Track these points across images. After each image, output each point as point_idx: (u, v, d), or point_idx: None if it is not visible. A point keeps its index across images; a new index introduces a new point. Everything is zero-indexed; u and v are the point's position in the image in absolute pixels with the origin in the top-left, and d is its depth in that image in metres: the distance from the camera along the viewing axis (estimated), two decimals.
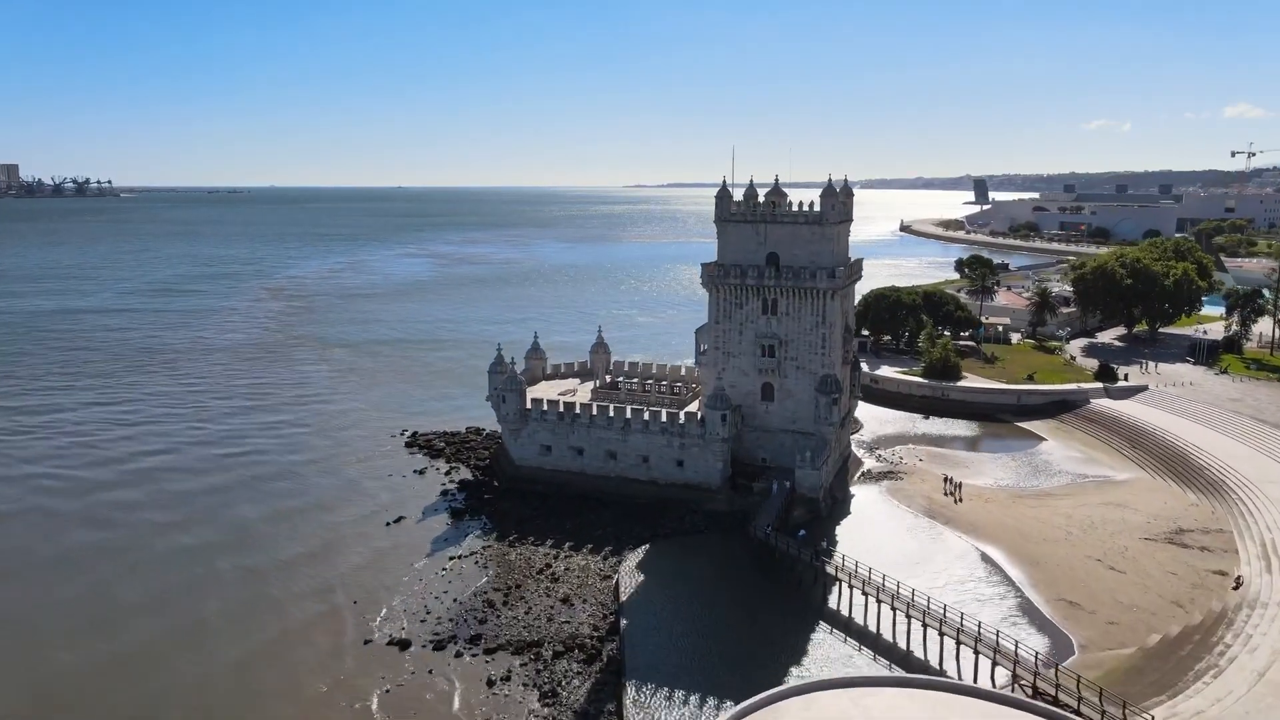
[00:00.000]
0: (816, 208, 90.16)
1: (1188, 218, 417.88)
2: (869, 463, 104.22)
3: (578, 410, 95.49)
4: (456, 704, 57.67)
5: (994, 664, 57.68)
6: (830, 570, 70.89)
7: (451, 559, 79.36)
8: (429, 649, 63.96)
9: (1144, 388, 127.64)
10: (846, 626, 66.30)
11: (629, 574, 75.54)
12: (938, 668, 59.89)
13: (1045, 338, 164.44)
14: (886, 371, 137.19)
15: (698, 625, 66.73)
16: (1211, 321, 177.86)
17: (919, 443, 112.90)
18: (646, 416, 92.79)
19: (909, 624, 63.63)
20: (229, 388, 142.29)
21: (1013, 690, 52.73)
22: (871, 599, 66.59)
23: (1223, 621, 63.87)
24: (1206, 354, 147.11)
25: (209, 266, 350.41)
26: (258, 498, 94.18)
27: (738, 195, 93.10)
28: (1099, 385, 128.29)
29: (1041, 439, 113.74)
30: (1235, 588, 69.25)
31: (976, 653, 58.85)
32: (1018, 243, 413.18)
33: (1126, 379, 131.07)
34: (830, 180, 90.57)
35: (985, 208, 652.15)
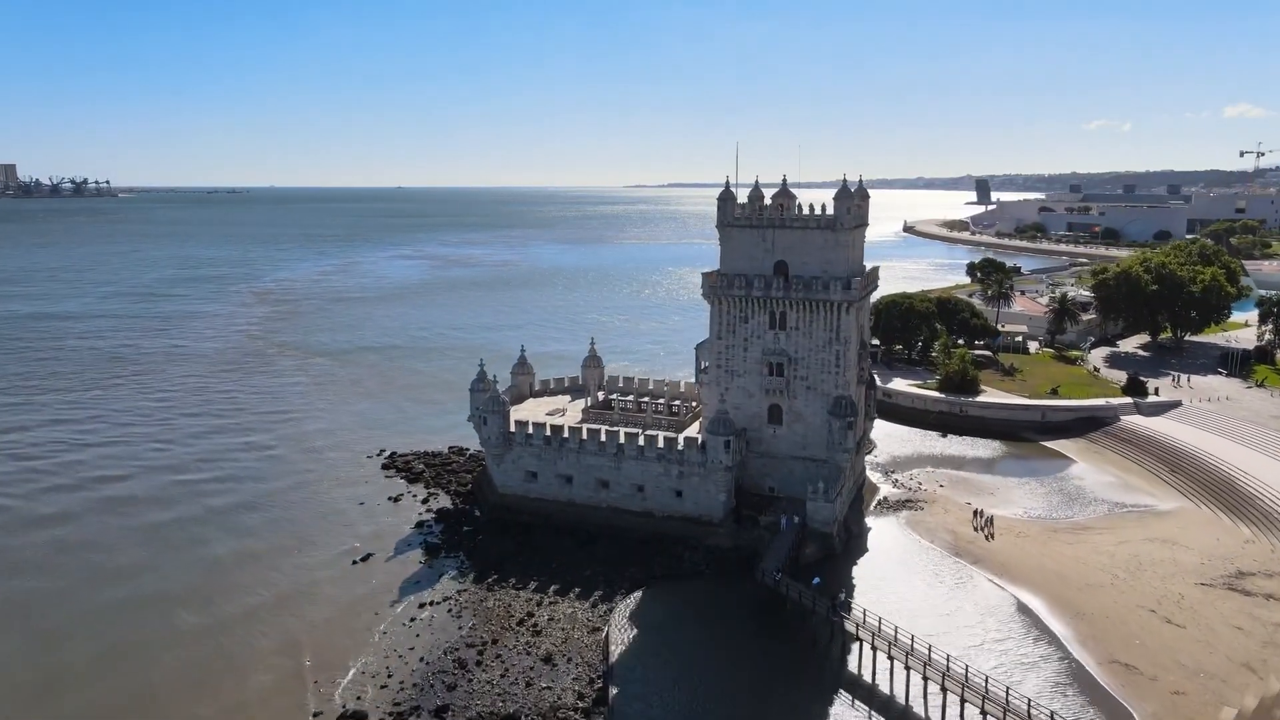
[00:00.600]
0: (829, 211, 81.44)
1: (1198, 218, 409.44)
2: (885, 489, 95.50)
3: (566, 434, 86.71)
4: None
5: None
6: (850, 627, 62.09)
7: (423, 606, 70.57)
8: None
9: (1178, 403, 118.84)
10: (870, 696, 57.53)
11: (620, 626, 66.87)
12: None
13: (1065, 347, 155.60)
14: (899, 385, 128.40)
15: (697, 693, 58.05)
16: (1236, 329, 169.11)
17: (938, 465, 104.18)
18: (642, 441, 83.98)
19: (944, 695, 54.87)
20: (199, 402, 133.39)
21: None
22: (899, 663, 57.87)
23: None
24: (1239, 365, 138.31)
25: (196, 269, 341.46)
26: (217, 535, 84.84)
27: (742, 197, 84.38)
28: (1129, 400, 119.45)
29: (1070, 460, 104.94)
30: None
31: None
32: (1025, 244, 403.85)
33: (1157, 393, 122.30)
34: (845, 180, 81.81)
35: (990, 208, 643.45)
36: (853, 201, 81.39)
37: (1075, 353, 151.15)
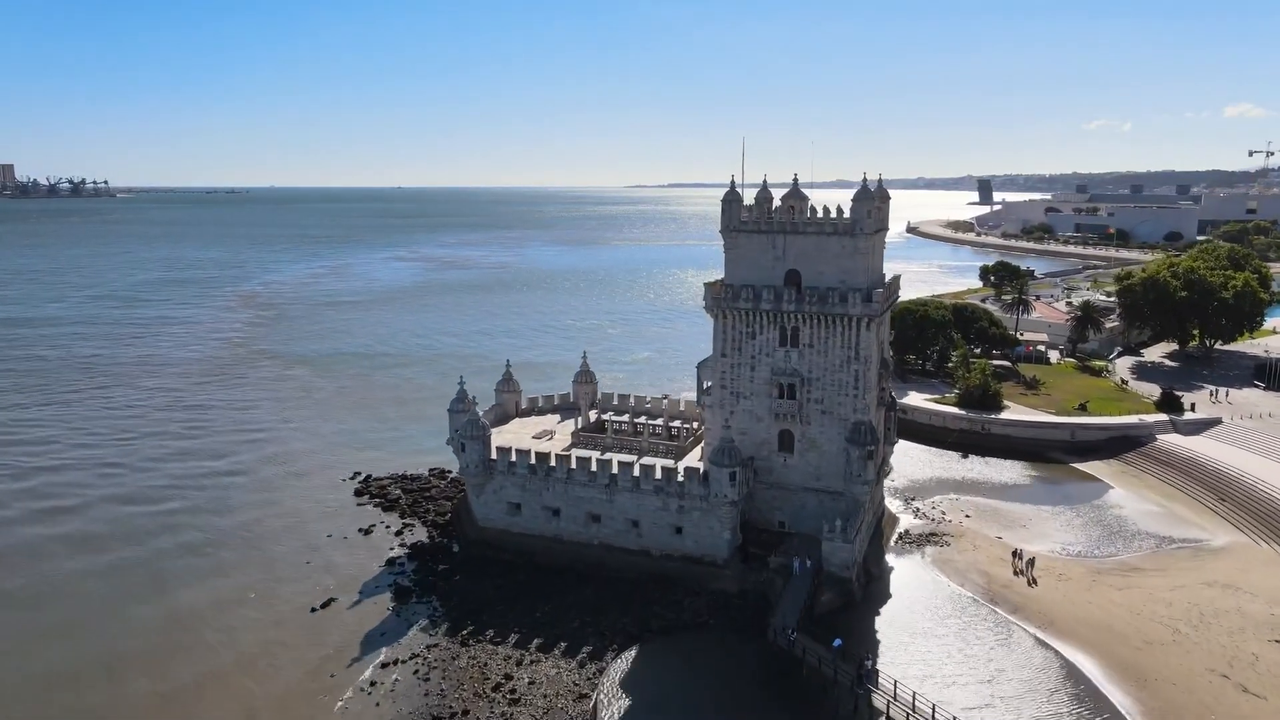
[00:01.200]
0: (846, 214, 72.53)
1: (1208, 219, 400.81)
2: (906, 519, 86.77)
3: (553, 462, 77.87)
4: None
5: None
6: (880, 702, 53.32)
7: (385, 666, 61.72)
8: None
9: (1217, 420, 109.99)
10: None
11: (611, 692, 58.11)
12: None
13: (1088, 356, 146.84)
14: (916, 399, 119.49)
15: None
16: (1265, 336, 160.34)
17: (961, 490, 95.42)
18: (637, 471, 75.13)
19: None
20: (164, 419, 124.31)
21: None
22: None
23: None
24: (1277, 377, 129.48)
25: (185, 271, 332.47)
26: (173, 580, 75.16)
27: (748, 198, 75.53)
28: (1164, 418, 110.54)
29: (1106, 486, 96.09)
30: None
31: None
32: (1032, 245, 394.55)
33: (1194, 409, 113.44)
34: (865, 180, 72.86)
35: (995, 208, 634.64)
36: (873, 203, 72.43)
37: (1100, 363, 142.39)
